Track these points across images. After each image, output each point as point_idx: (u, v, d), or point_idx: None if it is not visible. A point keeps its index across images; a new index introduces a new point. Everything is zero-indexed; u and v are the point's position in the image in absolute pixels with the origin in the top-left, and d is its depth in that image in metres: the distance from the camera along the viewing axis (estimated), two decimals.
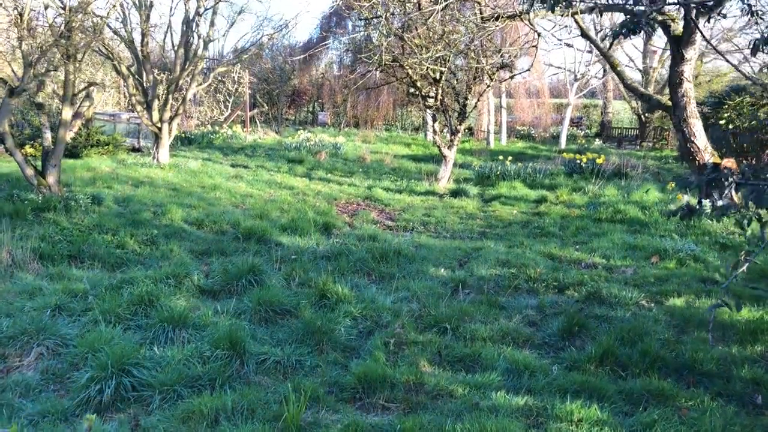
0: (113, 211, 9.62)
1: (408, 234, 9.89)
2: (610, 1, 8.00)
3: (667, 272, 7.41)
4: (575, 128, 32.49)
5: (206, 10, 15.76)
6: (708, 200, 10.31)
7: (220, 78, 27.47)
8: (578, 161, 16.63)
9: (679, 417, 3.91)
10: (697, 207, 10.41)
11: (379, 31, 12.70)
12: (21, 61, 9.30)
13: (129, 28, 14.95)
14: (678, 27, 10.50)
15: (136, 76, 15.06)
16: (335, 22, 29.65)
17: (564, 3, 5.33)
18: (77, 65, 9.68)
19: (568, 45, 27.90)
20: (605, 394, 4.19)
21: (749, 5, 4.77)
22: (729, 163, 10.77)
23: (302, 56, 27.36)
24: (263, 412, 3.80)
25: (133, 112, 18.66)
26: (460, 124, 15.37)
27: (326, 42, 26.51)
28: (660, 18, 10.05)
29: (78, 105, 17.27)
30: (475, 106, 16.41)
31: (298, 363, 4.58)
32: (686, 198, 11.19)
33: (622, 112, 35.69)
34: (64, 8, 9.28)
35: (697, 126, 10.79)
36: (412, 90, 15.70)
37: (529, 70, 16.02)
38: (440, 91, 14.81)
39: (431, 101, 15.14)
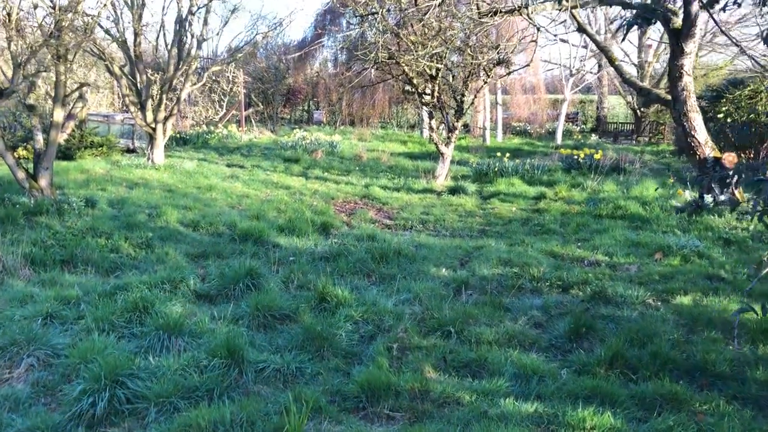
0: (107, 214, 9.44)
1: (407, 233, 9.74)
2: None
3: (672, 269, 7.29)
4: (571, 124, 32.41)
5: (199, 8, 15.58)
6: (710, 195, 10.18)
7: (214, 78, 27.27)
8: (575, 157, 16.52)
9: (695, 423, 3.78)
10: (700, 202, 10.29)
11: (375, 28, 12.53)
12: (10, 61, 9.11)
13: (122, 27, 14.74)
14: (677, 20, 10.38)
15: (129, 77, 14.87)
16: (330, 20, 29.48)
17: None
18: (68, 66, 9.49)
19: (563, 41, 27.80)
20: (617, 400, 4.06)
21: None
22: (730, 157, 10.66)
23: (297, 54, 27.18)
24: (263, 425, 3.65)
25: (127, 112, 18.46)
26: (457, 121, 15.22)
27: (321, 40, 26.33)
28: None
29: (71, 106, 17.06)
30: (472, 103, 16.27)
31: (299, 370, 4.42)
32: (687, 193, 11.07)
33: (618, 107, 35.62)
34: (53, 7, 9.08)
35: (697, 120, 10.67)
36: (408, 87, 15.55)
37: (528, 65, 15.83)
38: (437, 88, 14.66)
39: (428, 98, 14.99)
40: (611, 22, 27.33)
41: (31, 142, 12.65)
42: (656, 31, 27.44)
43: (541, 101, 29.61)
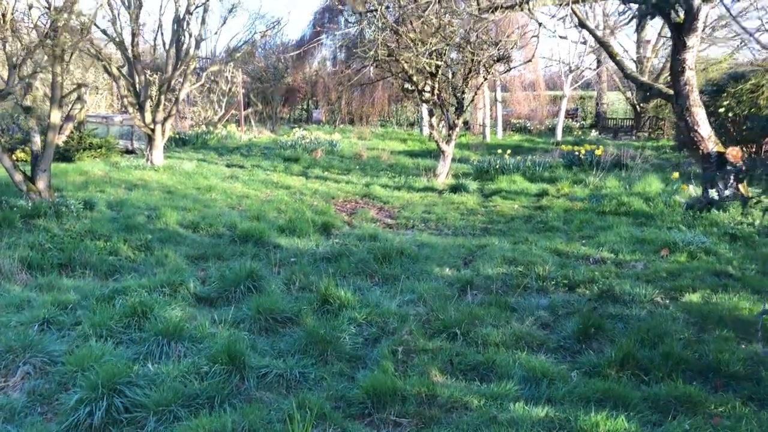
0: (106, 216, 9.33)
1: (409, 232, 9.63)
2: None
3: (679, 266, 7.17)
4: (571, 120, 32.30)
5: (197, 7, 15.45)
6: (714, 190, 10.08)
7: (213, 78, 27.16)
8: (576, 153, 16.41)
9: (711, 426, 3.67)
10: (711, 198, 10.18)
11: (374, 25, 12.41)
12: (6, 63, 8.99)
13: (119, 28, 14.62)
14: (679, 15, 10.26)
15: (128, 77, 14.74)
16: (328, 18, 29.33)
17: None
18: (64, 66, 9.37)
19: (562, 37, 27.71)
20: (630, 403, 3.94)
21: None
22: (734, 151, 10.56)
23: (295, 53, 27.05)
24: None
25: (126, 113, 18.34)
26: (457, 119, 15.11)
27: (319, 38, 26.20)
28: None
29: (69, 108, 16.94)
30: (472, 100, 16.15)
31: (302, 376, 4.31)
32: (691, 188, 10.96)
33: (617, 103, 35.53)
34: (48, 8, 8.95)
35: (700, 114, 10.56)
36: (407, 85, 15.44)
37: (530, 61, 15.71)
38: (437, 86, 14.53)
39: (428, 96, 14.87)
40: (615, 17, 27.16)
41: (29, 144, 12.55)
42: (652, 27, 27.32)
43: (541, 98, 29.50)
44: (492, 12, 10.17)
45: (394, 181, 14.77)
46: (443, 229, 9.90)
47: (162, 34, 15.99)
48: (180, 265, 6.93)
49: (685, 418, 3.78)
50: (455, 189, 13.49)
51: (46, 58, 9.34)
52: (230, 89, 26.76)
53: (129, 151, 20.04)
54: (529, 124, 30.56)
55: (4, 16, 8.55)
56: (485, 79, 15.36)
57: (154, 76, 16.43)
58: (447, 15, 12.74)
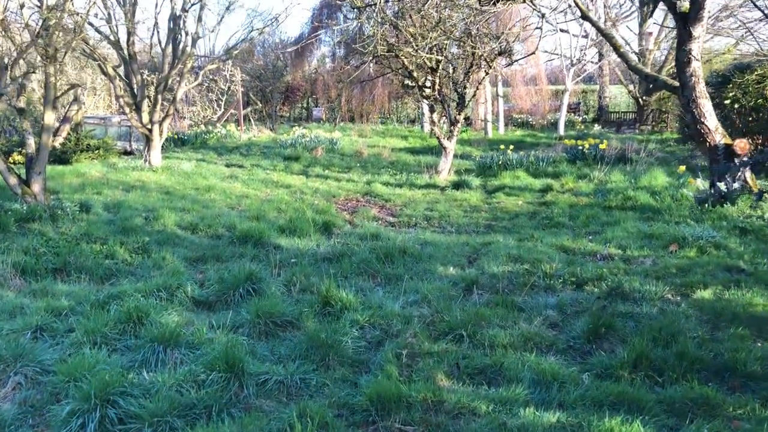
0: (102, 219, 9.18)
1: (411, 230, 9.47)
2: None
3: (689, 261, 7.00)
4: (573, 114, 32.06)
5: (193, 5, 15.26)
6: (723, 183, 9.90)
7: (211, 77, 26.98)
8: (580, 147, 16.23)
9: (731, 430, 3.50)
10: (712, 190, 10.01)
11: (373, 19, 12.22)
12: None
13: (115, 27, 14.45)
14: (684, 4, 10.07)
15: (124, 77, 14.57)
16: (326, 14, 29.12)
17: None
18: (58, 66, 9.20)
19: (564, 31, 27.45)
20: (644, 406, 3.77)
21: None
22: (742, 143, 10.37)
23: (294, 49, 26.90)
24: None
25: (124, 114, 18.17)
26: (459, 114, 14.92)
27: (318, 33, 26.00)
28: None
29: (66, 109, 16.77)
30: (474, 95, 15.97)
31: (303, 382, 4.15)
32: (699, 181, 10.77)
33: (619, 97, 35.28)
34: (40, 6, 8.78)
35: (706, 106, 10.37)
36: (407, 81, 15.26)
37: (533, 53, 15.51)
38: (438, 81, 14.35)
39: (428, 91, 14.69)
40: (617, 9, 26.95)
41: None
42: (655, 22, 27.06)
43: (543, 92, 29.27)
44: (493, 4, 9.99)
45: (395, 179, 14.60)
46: (446, 227, 9.74)
47: (158, 32, 15.75)
48: (178, 268, 6.76)
49: (703, 422, 3.61)
50: (458, 186, 13.32)
51: (39, 58, 9.18)
52: (229, 88, 26.57)
53: (127, 152, 19.90)
54: (531, 119, 30.34)
55: None
56: (487, 73, 15.17)
57: (153, 76, 16.27)
58: (447, 8, 12.55)
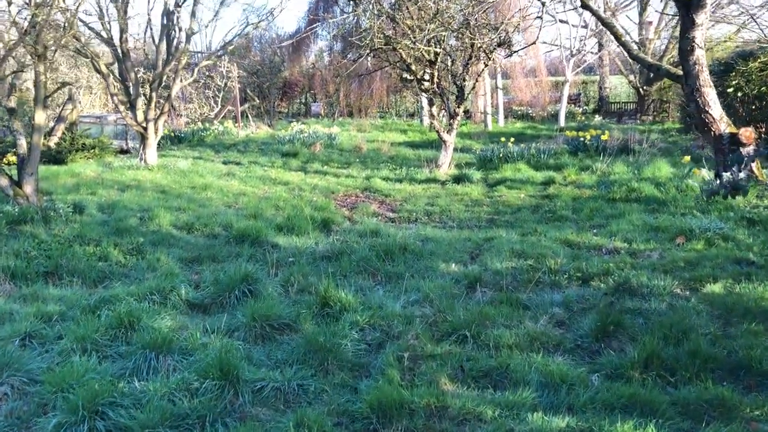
0: (96, 220, 9.00)
1: (412, 226, 9.29)
2: None
3: (697, 254, 6.82)
4: (573, 105, 31.83)
5: (185, 0, 15.04)
6: (728, 173, 9.71)
7: (208, 73, 26.74)
8: (581, 139, 16.04)
9: None
10: (718, 181, 9.82)
11: (369, 12, 12.01)
12: None
13: (107, 25, 14.24)
14: None
15: (118, 75, 14.37)
16: (323, 8, 28.84)
17: None
18: (48, 65, 9.00)
19: (563, 21, 27.21)
20: (658, 409, 3.61)
21: None
22: (747, 132, 10.17)
23: (290, 43, 26.68)
24: None
25: (119, 112, 17.97)
26: (458, 107, 14.72)
27: (314, 26, 25.75)
28: None
29: (61, 108, 16.57)
30: (473, 88, 15.75)
31: (301, 388, 3.98)
32: (704, 172, 10.58)
33: (619, 87, 35.05)
34: (29, 3, 8.57)
35: (711, 95, 10.18)
36: (406, 75, 15.05)
37: (534, 43, 15.29)
38: (436, 74, 14.15)
39: (427, 84, 14.49)
40: None
41: None
42: (656, 11, 26.78)
43: (543, 84, 29.03)
44: None
45: (395, 174, 14.41)
46: (447, 222, 9.56)
47: (151, 29, 15.52)
48: (172, 269, 6.58)
49: (720, 425, 3.44)
50: (458, 179, 13.13)
51: (29, 56, 8.98)
52: (226, 84, 26.35)
53: (124, 151, 19.72)
54: (531, 111, 30.11)
55: None
56: (486, 65, 14.96)
57: (149, 74, 16.05)
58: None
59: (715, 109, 10.14)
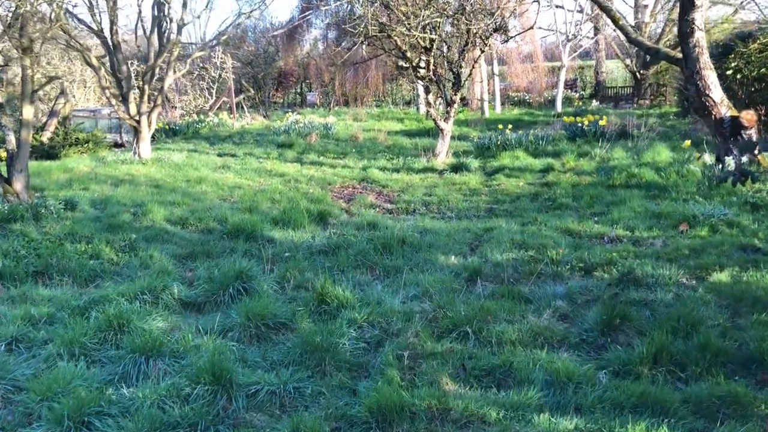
0: (89, 216, 8.81)
1: (410, 217, 9.13)
2: None
3: (701, 241, 6.69)
4: (569, 91, 31.58)
5: None
6: (730, 157, 9.55)
7: (202, 65, 26.43)
8: (579, 124, 15.84)
9: None
10: (719, 165, 9.67)
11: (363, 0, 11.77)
12: None
13: (98, 17, 13.96)
14: None
15: (109, 68, 14.11)
16: None
17: None
18: (34, 58, 8.77)
19: (559, 6, 26.89)
20: (669, 408, 3.47)
21: None
22: (749, 115, 10.00)
23: (283, 30, 26.35)
24: None
25: (112, 106, 17.71)
26: (455, 94, 14.51)
27: (307, 14, 25.41)
28: None
29: (54, 102, 16.33)
30: (470, 74, 15.53)
31: (297, 391, 3.84)
32: (706, 156, 10.42)
33: (616, 71, 34.78)
34: None
35: (711, 78, 10.01)
36: (401, 62, 14.83)
37: (531, 28, 15.06)
38: (432, 61, 13.92)
39: (423, 72, 14.26)
40: None
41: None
42: None
43: (539, 69, 28.75)
44: None
45: (392, 163, 14.22)
46: (446, 212, 9.41)
47: (142, 20, 15.24)
48: (166, 267, 6.42)
49: (736, 424, 3.30)
50: (456, 168, 12.96)
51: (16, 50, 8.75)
52: (220, 76, 26.05)
53: (118, 145, 19.52)
54: (527, 97, 29.86)
55: None
56: (482, 51, 14.73)
57: (142, 66, 15.79)
58: None
59: (716, 92, 9.97)
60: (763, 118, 14.55)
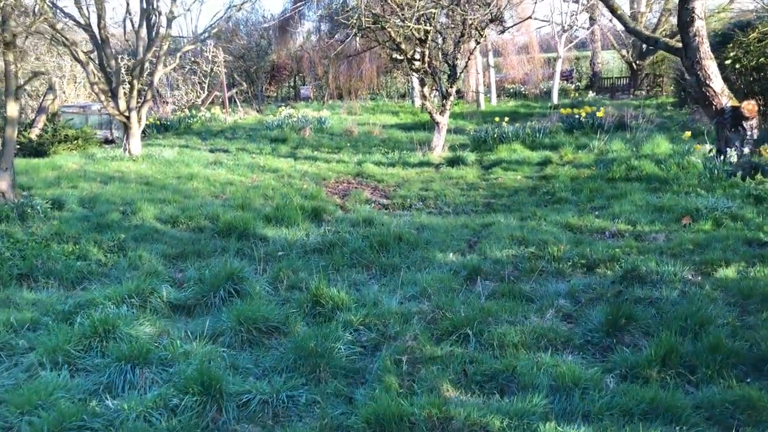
0: (77, 215, 8.58)
1: (406, 213, 8.95)
2: None
3: (705, 236, 6.53)
4: (565, 82, 31.40)
5: None
6: (732, 149, 9.40)
7: (193, 59, 26.12)
8: (577, 116, 15.68)
9: None
10: (720, 157, 9.51)
11: None
12: None
13: (85, 10, 13.67)
14: None
15: (97, 63, 13.83)
16: None
17: None
18: (18, 53, 8.52)
19: None
20: (681, 414, 3.30)
21: None
22: (750, 105, 9.83)
23: (275, 23, 26.04)
24: None
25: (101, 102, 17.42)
26: (450, 87, 14.31)
27: (299, 5, 25.12)
28: None
29: (42, 99, 16.03)
30: (466, 66, 15.32)
31: (291, 400, 3.66)
32: (708, 147, 10.26)
33: (612, 62, 34.63)
34: None
35: (712, 68, 9.83)
36: (396, 55, 14.60)
37: (530, 17, 14.84)
38: (427, 53, 13.70)
39: (418, 64, 14.05)
40: None
41: None
42: None
43: (535, 60, 28.57)
44: None
45: (387, 158, 14.03)
46: (443, 208, 9.22)
47: (130, 13, 14.95)
48: (155, 268, 6.22)
49: (753, 431, 3.14)
50: (453, 162, 12.77)
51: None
52: (212, 70, 25.75)
53: (109, 141, 19.24)
54: (523, 89, 29.68)
55: None
56: (478, 42, 14.52)
57: (132, 61, 15.51)
58: None
59: (717, 82, 9.80)
60: (761, 108, 14.42)
